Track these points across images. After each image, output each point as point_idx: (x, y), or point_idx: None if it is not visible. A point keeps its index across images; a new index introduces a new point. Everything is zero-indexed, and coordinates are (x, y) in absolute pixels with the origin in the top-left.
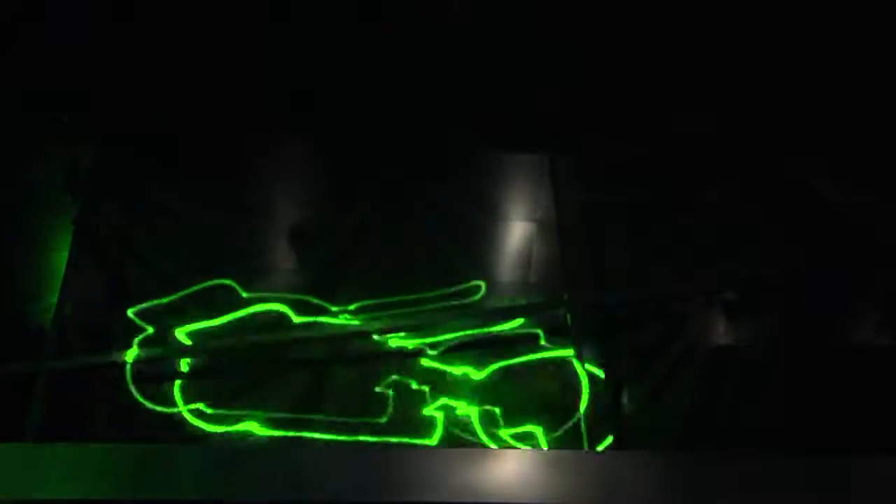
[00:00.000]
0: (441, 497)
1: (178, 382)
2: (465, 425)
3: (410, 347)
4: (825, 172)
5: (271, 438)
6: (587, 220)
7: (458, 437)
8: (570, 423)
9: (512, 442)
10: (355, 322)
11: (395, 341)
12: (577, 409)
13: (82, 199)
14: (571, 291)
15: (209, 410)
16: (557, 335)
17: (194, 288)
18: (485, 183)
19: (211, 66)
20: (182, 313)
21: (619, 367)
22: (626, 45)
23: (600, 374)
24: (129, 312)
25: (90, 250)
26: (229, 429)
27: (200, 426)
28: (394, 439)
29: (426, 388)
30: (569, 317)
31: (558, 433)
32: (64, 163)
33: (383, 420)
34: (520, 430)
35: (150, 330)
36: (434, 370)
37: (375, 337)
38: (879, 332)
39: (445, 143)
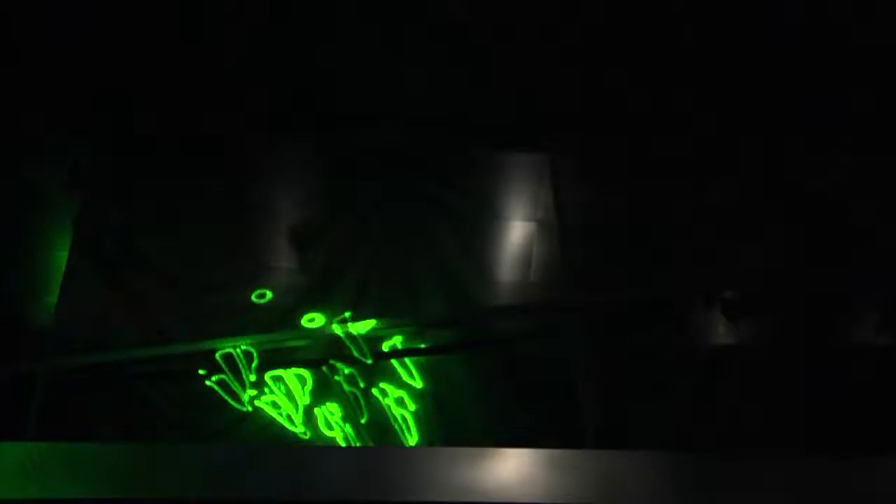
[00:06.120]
0: (441, 497)
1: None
2: None
3: None
4: (825, 172)
5: (272, 439)
6: (587, 220)
7: None
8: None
9: None
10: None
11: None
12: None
13: (82, 199)
14: (571, 291)
15: None
16: (557, 335)
17: None
18: (485, 183)
19: (211, 66)
20: None
21: (619, 367)
22: (628, 45)
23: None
24: None
25: (90, 250)
26: None
27: None
28: None
29: None
30: (568, 317)
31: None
32: (64, 163)
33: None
34: None
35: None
36: None
37: None
38: (879, 332)
39: (445, 143)
